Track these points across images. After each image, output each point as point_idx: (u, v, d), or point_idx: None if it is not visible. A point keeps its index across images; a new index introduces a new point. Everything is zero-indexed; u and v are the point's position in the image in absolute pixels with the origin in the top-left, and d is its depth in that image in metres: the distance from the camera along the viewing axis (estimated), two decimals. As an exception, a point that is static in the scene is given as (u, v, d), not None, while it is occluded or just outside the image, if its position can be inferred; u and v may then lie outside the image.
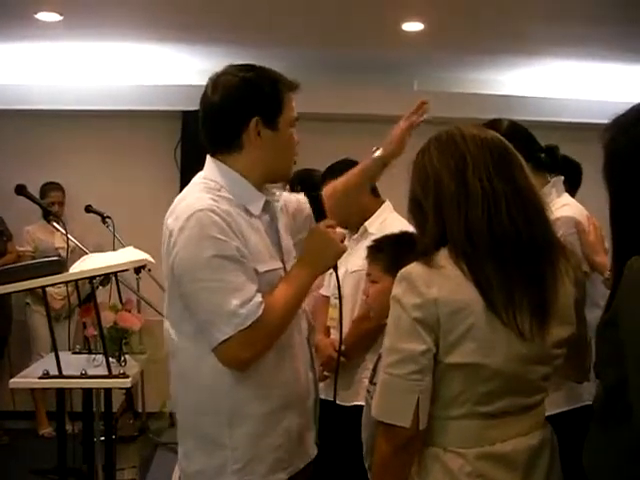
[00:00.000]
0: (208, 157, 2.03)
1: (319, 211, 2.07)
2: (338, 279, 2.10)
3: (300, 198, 2.24)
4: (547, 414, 1.78)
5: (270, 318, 1.84)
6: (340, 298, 2.20)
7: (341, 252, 1.99)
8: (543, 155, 2.58)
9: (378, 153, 2.33)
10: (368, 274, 2.43)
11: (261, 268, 1.90)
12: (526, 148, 2.41)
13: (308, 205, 2.19)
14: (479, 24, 4.83)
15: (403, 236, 2.24)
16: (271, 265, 1.95)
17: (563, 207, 2.53)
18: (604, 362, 1.58)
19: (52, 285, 3.40)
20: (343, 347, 3.07)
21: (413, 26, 4.93)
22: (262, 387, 1.93)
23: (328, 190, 2.29)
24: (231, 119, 1.94)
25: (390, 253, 2.25)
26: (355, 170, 2.38)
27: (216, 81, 1.96)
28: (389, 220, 3.18)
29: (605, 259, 2.44)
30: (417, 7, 4.62)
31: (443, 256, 1.59)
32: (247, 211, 1.95)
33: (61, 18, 4.71)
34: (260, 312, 1.82)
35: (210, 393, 1.94)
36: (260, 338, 1.84)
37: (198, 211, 1.83)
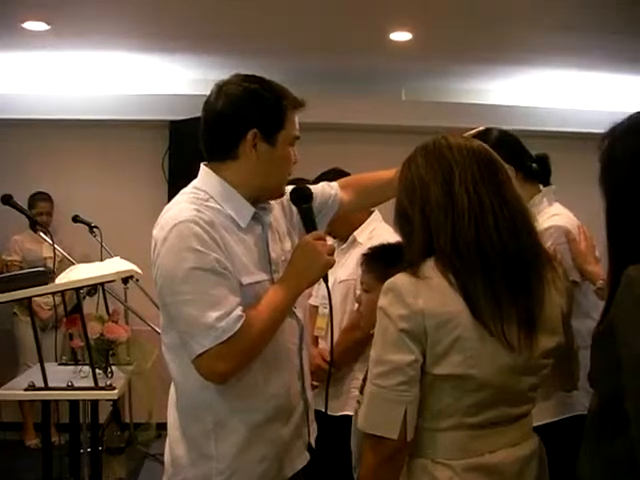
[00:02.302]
0: (202, 165, 2.02)
1: (309, 223, 2.05)
2: (329, 290, 2.08)
3: (323, 186, 2.29)
4: (537, 424, 1.78)
5: (250, 332, 1.82)
6: (331, 308, 2.19)
7: (328, 265, 1.97)
8: (534, 165, 2.59)
9: None
10: (362, 282, 2.41)
11: (245, 280, 1.90)
12: (517, 157, 2.43)
13: (332, 190, 2.28)
14: (466, 34, 4.85)
15: (399, 246, 2.22)
16: (257, 277, 1.94)
17: (553, 216, 2.53)
18: (600, 372, 1.57)
19: (37, 296, 3.37)
20: (332, 357, 3.08)
21: (401, 36, 4.94)
22: (246, 399, 1.93)
23: (351, 178, 2.40)
24: (229, 128, 1.93)
25: (385, 262, 2.23)
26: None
27: (221, 88, 1.96)
28: (378, 230, 3.17)
29: (596, 268, 2.44)
30: (405, 17, 4.63)
31: (430, 267, 1.59)
32: (235, 222, 1.95)
33: (48, 27, 4.70)
34: (238, 326, 1.80)
35: (196, 403, 1.95)
36: (238, 352, 1.82)
37: (179, 222, 1.83)
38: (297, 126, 2.01)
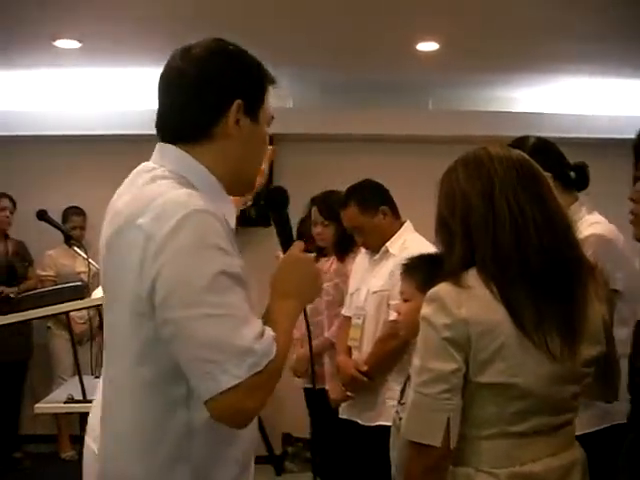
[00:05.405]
0: (166, 145, 1.59)
1: (288, 233, 1.67)
2: (306, 314, 1.64)
3: None
4: (577, 434, 1.77)
5: (279, 359, 1.41)
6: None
7: (321, 280, 1.63)
8: (572, 172, 2.58)
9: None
10: (401, 292, 2.43)
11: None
12: (555, 165, 2.41)
13: None
14: (493, 42, 4.86)
15: (437, 256, 2.23)
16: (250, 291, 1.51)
17: (593, 225, 2.51)
18: None
19: (75, 310, 3.41)
20: (366, 367, 3.10)
21: (428, 46, 4.96)
22: (226, 447, 1.50)
23: None
24: (210, 97, 1.52)
25: (424, 272, 2.24)
26: None
27: (189, 51, 1.56)
28: (410, 241, 3.19)
29: None
30: (432, 27, 4.65)
31: (472, 276, 1.60)
32: (226, 221, 1.49)
33: (80, 45, 4.78)
34: (274, 349, 1.39)
35: (174, 454, 1.46)
36: (269, 383, 1.40)
37: (195, 211, 1.39)
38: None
